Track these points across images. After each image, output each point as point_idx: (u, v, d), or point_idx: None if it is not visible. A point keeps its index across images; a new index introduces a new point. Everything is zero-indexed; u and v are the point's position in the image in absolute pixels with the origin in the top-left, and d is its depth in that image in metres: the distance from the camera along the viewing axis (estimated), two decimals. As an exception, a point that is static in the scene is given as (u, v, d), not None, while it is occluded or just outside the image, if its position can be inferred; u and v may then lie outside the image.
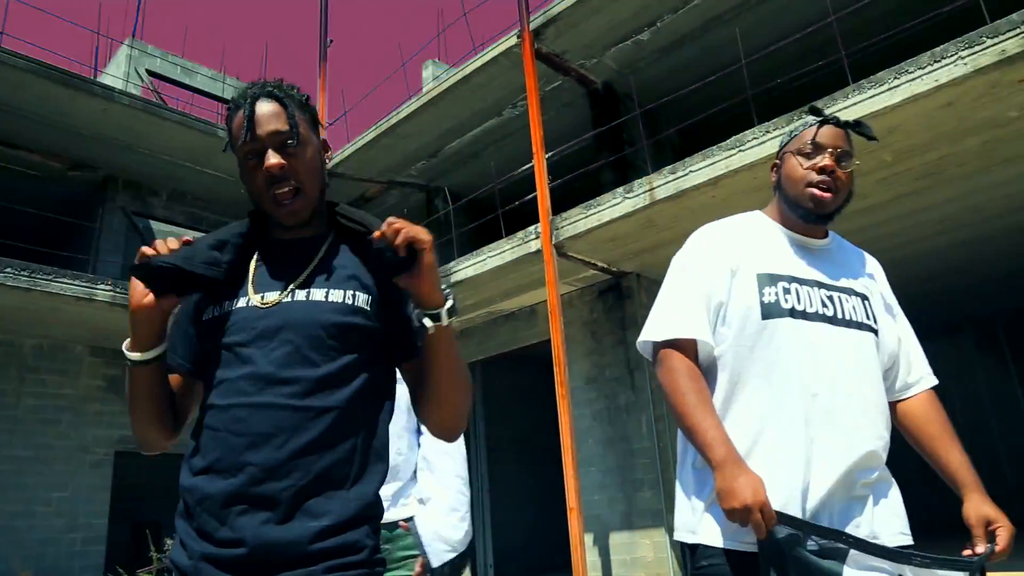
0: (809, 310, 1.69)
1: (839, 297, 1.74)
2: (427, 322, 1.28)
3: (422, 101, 9.99)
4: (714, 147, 6.91)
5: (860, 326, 1.73)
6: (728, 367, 1.70)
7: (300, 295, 1.34)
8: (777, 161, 1.93)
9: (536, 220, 8.15)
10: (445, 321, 1.28)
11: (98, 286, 8.80)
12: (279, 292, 1.34)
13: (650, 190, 7.27)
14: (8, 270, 8.14)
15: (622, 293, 9.02)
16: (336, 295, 1.34)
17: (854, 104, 6.16)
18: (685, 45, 9.06)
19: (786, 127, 6.52)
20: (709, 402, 1.64)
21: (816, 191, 1.75)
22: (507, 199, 10.24)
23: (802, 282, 1.73)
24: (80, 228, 11.19)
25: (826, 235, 1.88)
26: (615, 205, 7.55)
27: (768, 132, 6.62)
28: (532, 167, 8.37)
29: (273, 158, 1.33)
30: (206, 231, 10.37)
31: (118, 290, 8.91)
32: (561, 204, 8.38)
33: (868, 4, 8.38)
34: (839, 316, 1.71)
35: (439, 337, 1.30)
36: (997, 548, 1.60)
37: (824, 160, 1.75)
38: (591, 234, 7.79)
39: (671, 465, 8.44)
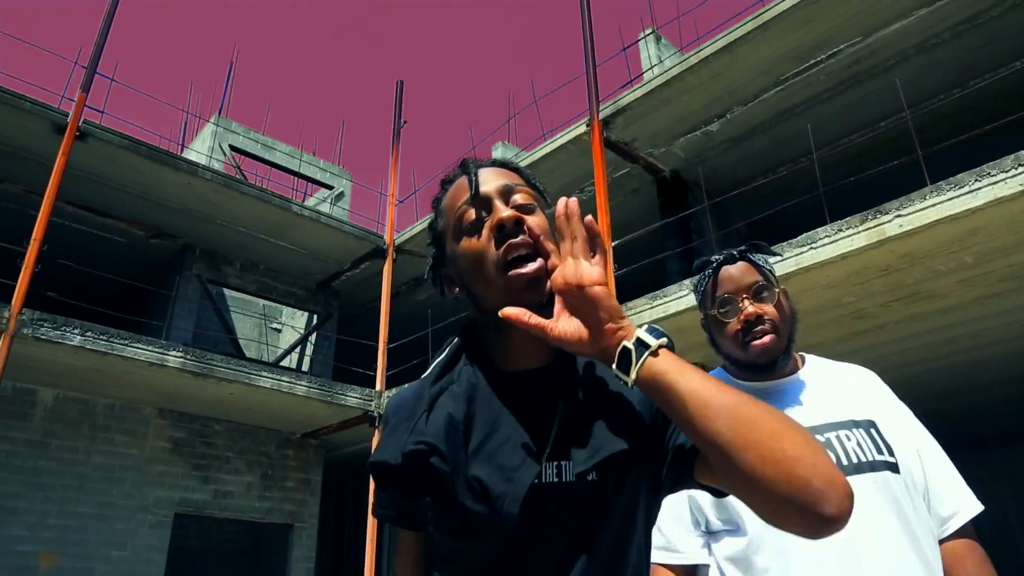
0: None
1: (837, 437, 1.45)
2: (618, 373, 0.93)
3: (491, 183, 10.17)
4: (784, 243, 6.80)
5: (874, 466, 1.41)
6: (730, 567, 1.46)
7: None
8: (703, 321, 1.70)
9: (600, 304, 8.11)
10: (635, 365, 0.91)
11: (170, 352, 9.08)
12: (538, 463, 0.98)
13: (717, 283, 7.19)
14: (88, 334, 8.47)
15: (685, 382, 8.82)
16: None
17: (932, 206, 6.03)
18: (755, 136, 9.07)
19: (860, 226, 6.40)
20: None
21: (754, 343, 1.53)
22: (571, 281, 10.26)
23: None
24: (156, 292, 11.64)
25: (795, 367, 1.61)
26: (681, 297, 7.47)
27: (841, 231, 6.50)
28: (597, 252, 8.39)
29: (506, 211, 1.01)
30: (275, 300, 10.54)
31: (188, 357, 9.17)
32: (625, 290, 8.34)
33: (943, 97, 8.29)
34: (843, 462, 1.41)
35: (653, 386, 0.90)
36: None
37: (744, 309, 1.53)
38: (657, 324, 7.69)
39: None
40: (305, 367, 12.81)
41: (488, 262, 1.02)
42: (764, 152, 9.27)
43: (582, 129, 9.04)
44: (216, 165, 13.22)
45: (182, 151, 13.15)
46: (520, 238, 1.00)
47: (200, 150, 13.53)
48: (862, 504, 1.16)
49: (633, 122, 8.91)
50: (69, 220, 10.21)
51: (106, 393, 9.99)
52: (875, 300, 7.18)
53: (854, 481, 1.23)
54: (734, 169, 9.57)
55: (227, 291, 12.57)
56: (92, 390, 9.86)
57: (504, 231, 1.01)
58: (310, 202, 15.30)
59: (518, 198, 1.06)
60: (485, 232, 1.03)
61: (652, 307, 7.70)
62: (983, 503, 1.55)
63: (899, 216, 6.19)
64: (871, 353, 8.31)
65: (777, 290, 1.58)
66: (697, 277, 1.70)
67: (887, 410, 1.54)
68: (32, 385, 9.56)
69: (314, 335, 12.96)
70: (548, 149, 9.50)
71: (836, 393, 1.54)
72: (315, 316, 13.08)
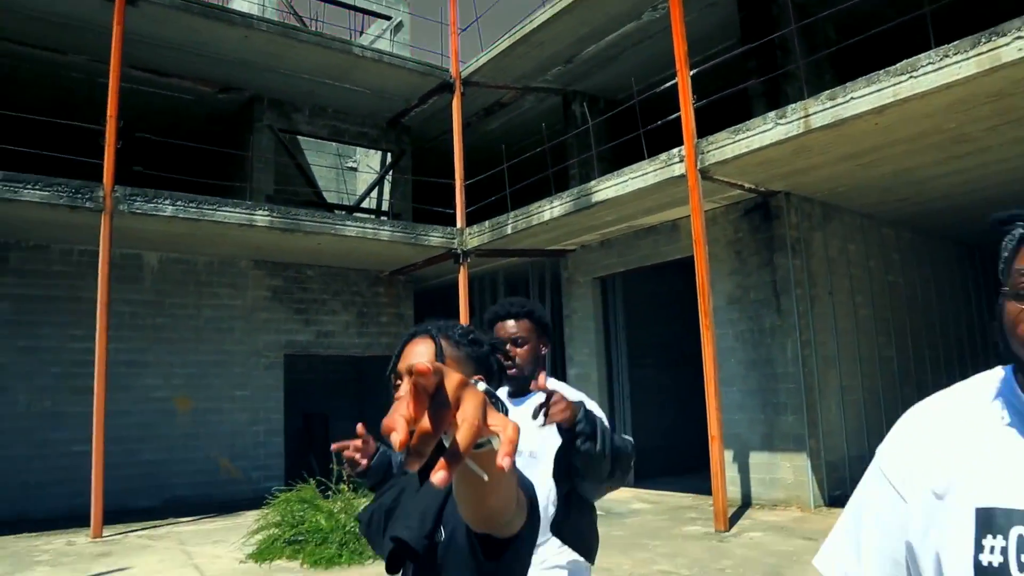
0: None
1: None
2: None
3: (557, 8, 9.51)
4: (881, 72, 6.27)
5: None
6: None
7: None
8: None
9: (679, 135, 7.79)
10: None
11: (256, 212, 9.36)
12: None
13: (805, 117, 6.76)
14: (179, 203, 8.78)
15: (770, 212, 8.63)
16: None
17: (1057, 32, 5.38)
18: (852, -66, 8.02)
19: (971, 51, 5.80)
20: None
21: None
22: (648, 106, 9.81)
23: None
24: (234, 147, 11.78)
25: None
26: (765, 131, 7.10)
27: (947, 56, 5.92)
28: (675, 83, 7.95)
29: (402, 390, 1.23)
30: (347, 142, 10.64)
31: (274, 215, 9.45)
32: (704, 122, 7.95)
33: None
34: None
35: None
36: None
37: None
38: (739, 159, 7.41)
39: (815, 391, 8.35)
40: (384, 208, 13.02)
41: None
42: (861, -50, 8.25)
43: (654, -59, 8.20)
44: (269, 9, 12.71)
45: (233, -3, 12.64)
46: None
47: (250, -7, 12.96)
48: None
49: (711, -72, 8.01)
50: (137, 84, 10.21)
51: (204, 252, 10.53)
52: (980, 125, 6.67)
53: None
54: (826, -28, 8.61)
55: (300, 138, 12.58)
56: (191, 250, 10.40)
57: None
58: (369, 33, 14.71)
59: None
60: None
61: (735, 141, 7.36)
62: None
63: (1020, 38, 5.54)
64: (970, 175, 7.87)
65: None
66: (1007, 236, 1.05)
67: None
68: (137, 251, 10.13)
69: (390, 174, 13.02)
70: (618, -34, 8.72)
71: None
72: (388, 155, 13.05)
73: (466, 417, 0.65)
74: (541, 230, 9.91)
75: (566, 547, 2.23)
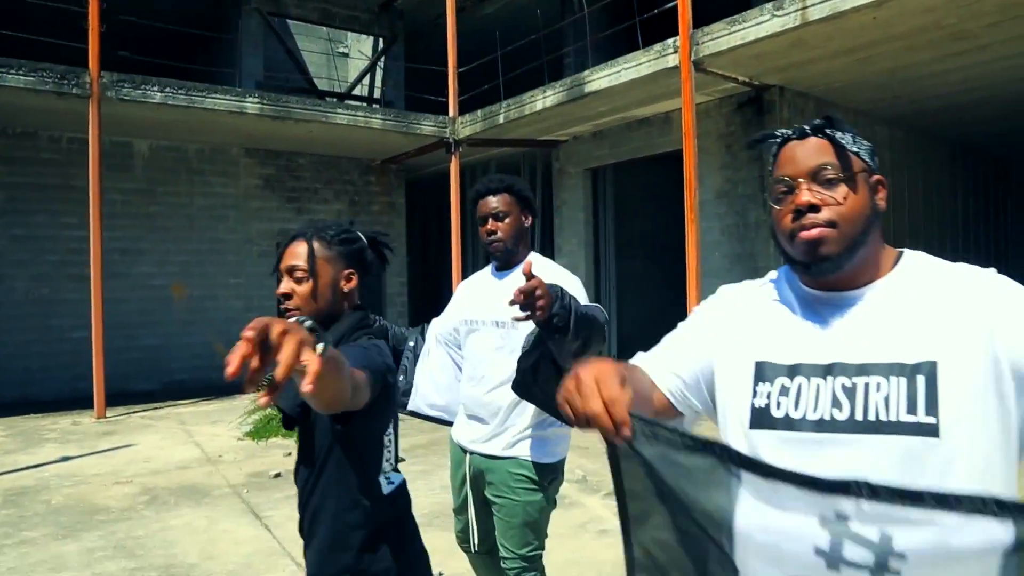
0: (811, 416, 1.12)
1: (867, 385, 1.10)
2: None
3: None
4: (882, -38, 6.09)
5: (896, 428, 1.06)
6: None
7: None
8: None
9: (675, 26, 7.63)
10: None
11: (247, 99, 9.24)
12: None
13: (802, 9, 6.63)
14: (168, 90, 8.66)
15: (763, 107, 8.55)
16: None
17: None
18: None
19: (976, -59, 5.64)
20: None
21: (800, 233, 1.18)
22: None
23: (809, 371, 1.16)
24: (222, 31, 11.45)
25: (872, 275, 1.22)
26: (762, 23, 6.97)
27: (952, -53, 5.76)
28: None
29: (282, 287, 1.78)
30: (338, 27, 10.33)
31: (265, 102, 9.33)
32: (701, 11, 7.75)
33: None
34: (857, 417, 1.09)
35: None
36: None
37: (799, 195, 1.19)
38: (733, 51, 7.30)
39: (799, 286, 8.52)
40: (377, 95, 12.79)
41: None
42: None
43: None
44: None
45: None
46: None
47: None
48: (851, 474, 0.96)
49: None
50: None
51: (194, 139, 10.45)
52: (981, 21, 6.54)
53: (851, 442, 1.08)
54: None
55: (290, 22, 12.22)
56: (181, 138, 10.32)
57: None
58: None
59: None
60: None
61: (730, 33, 7.23)
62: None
63: (1023, -70, 5.39)
64: (968, 72, 7.77)
65: (860, 176, 1.21)
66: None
67: (978, 343, 1.09)
68: (127, 138, 10.05)
69: (383, 60, 12.72)
70: None
71: (907, 320, 1.15)
72: (381, 41, 12.70)
73: (283, 359, 0.94)
74: (533, 120, 9.84)
75: (546, 416, 2.39)
